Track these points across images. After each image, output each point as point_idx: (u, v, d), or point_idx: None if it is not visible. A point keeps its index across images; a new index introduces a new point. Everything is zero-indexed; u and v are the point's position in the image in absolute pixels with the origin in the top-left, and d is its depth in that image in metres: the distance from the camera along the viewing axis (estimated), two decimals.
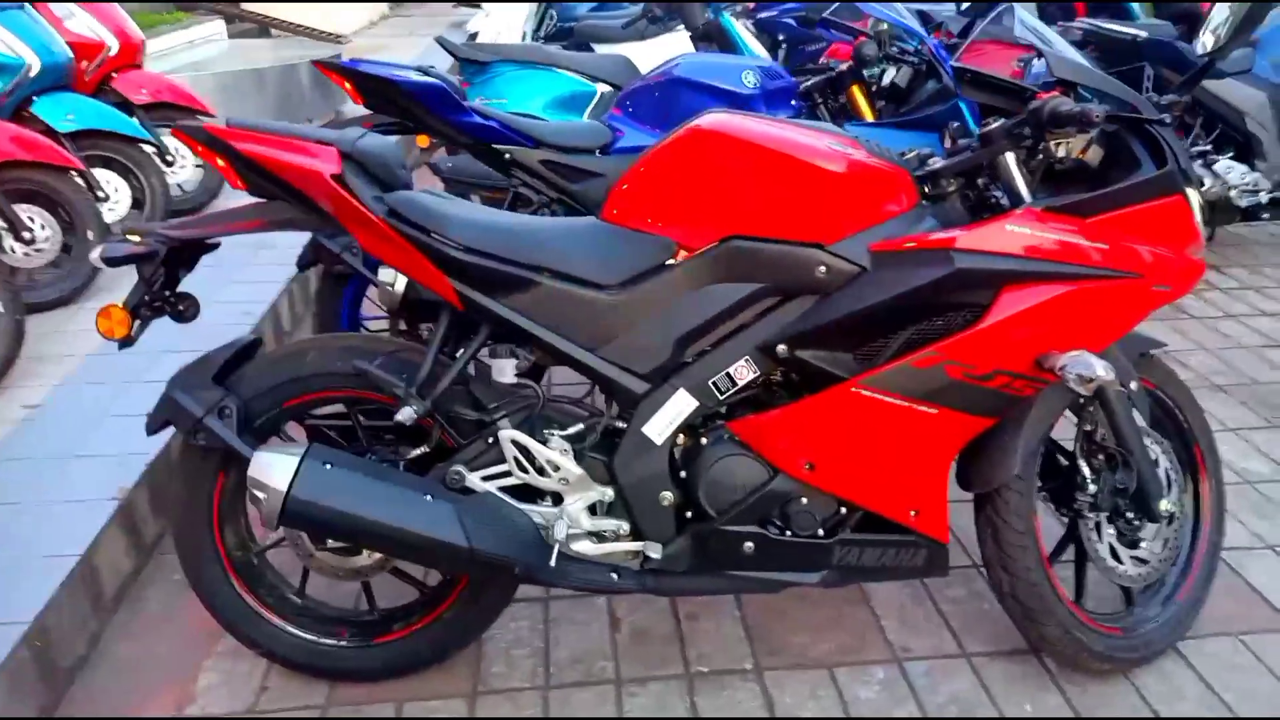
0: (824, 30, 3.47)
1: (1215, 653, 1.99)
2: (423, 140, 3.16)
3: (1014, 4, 1.83)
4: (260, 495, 1.63)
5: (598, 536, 1.76)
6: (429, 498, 1.67)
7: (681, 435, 1.76)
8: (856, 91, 2.75)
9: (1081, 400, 1.80)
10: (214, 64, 6.84)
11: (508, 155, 2.68)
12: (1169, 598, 1.98)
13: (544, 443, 1.73)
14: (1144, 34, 3.70)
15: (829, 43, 4.16)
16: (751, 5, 5.57)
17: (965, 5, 4.35)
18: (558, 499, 1.75)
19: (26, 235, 3.27)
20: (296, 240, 2.43)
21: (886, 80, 2.82)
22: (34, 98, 3.62)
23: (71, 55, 3.76)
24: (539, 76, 3.99)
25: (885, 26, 2.73)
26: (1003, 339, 1.60)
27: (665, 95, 2.75)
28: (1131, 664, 1.92)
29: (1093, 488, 1.82)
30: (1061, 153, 1.64)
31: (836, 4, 3.20)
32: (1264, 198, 3.81)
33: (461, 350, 1.76)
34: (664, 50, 4.91)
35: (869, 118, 2.77)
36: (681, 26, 4.83)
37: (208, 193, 4.53)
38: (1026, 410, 1.77)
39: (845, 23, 3.11)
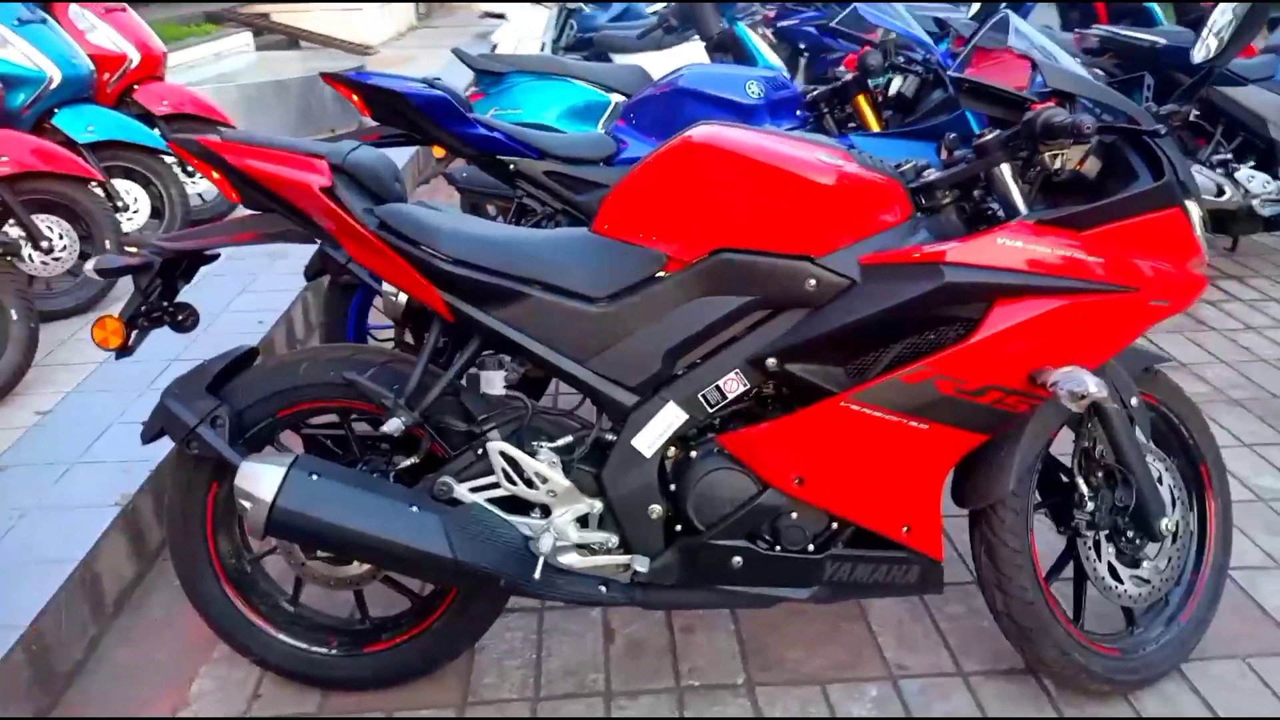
0: (833, 40, 3.45)
1: (1220, 675, 1.95)
2: (439, 151, 3.18)
3: (1010, 12, 1.81)
4: (246, 505, 1.64)
5: (586, 549, 1.75)
6: (414, 509, 1.67)
7: (672, 448, 1.75)
8: (862, 101, 2.73)
9: (1080, 416, 1.78)
10: (239, 75, 6.94)
11: (512, 166, 2.69)
12: (1172, 618, 1.94)
13: (532, 454, 1.73)
14: (1163, 40, 3.64)
15: (850, 52, 4.15)
16: (770, 14, 5.57)
17: (973, 11, 4.31)
18: (546, 511, 1.75)
19: (45, 244, 3.32)
20: (311, 250, 2.45)
21: (894, 90, 2.80)
22: (56, 110, 3.69)
23: (93, 68, 3.83)
24: (553, 87, 4.00)
25: (892, 36, 2.71)
26: (994, 354, 1.58)
27: (669, 106, 2.75)
28: (1131, 686, 1.88)
29: (1090, 505, 1.79)
30: (1057, 165, 1.62)
31: (848, 10, 3.17)
32: None
33: (452, 362, 1.76)
34: (680, 60, 4.91)
35: (874, 128, 2.75)
36: (698, 36, 4.85)
37: (227, 203, 4.58)
38: (1023, 426, 1.74)
39: (853, 32, 3.09)
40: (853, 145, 2.59)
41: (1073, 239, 1.59)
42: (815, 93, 2.81)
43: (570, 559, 1.74)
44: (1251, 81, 3.71)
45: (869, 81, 2.69)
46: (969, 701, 1.89)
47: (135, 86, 4.27)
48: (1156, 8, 4.52)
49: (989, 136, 1.67)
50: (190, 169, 4.35)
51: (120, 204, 3.85)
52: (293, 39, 11.19)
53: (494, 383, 1.74)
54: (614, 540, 1.76)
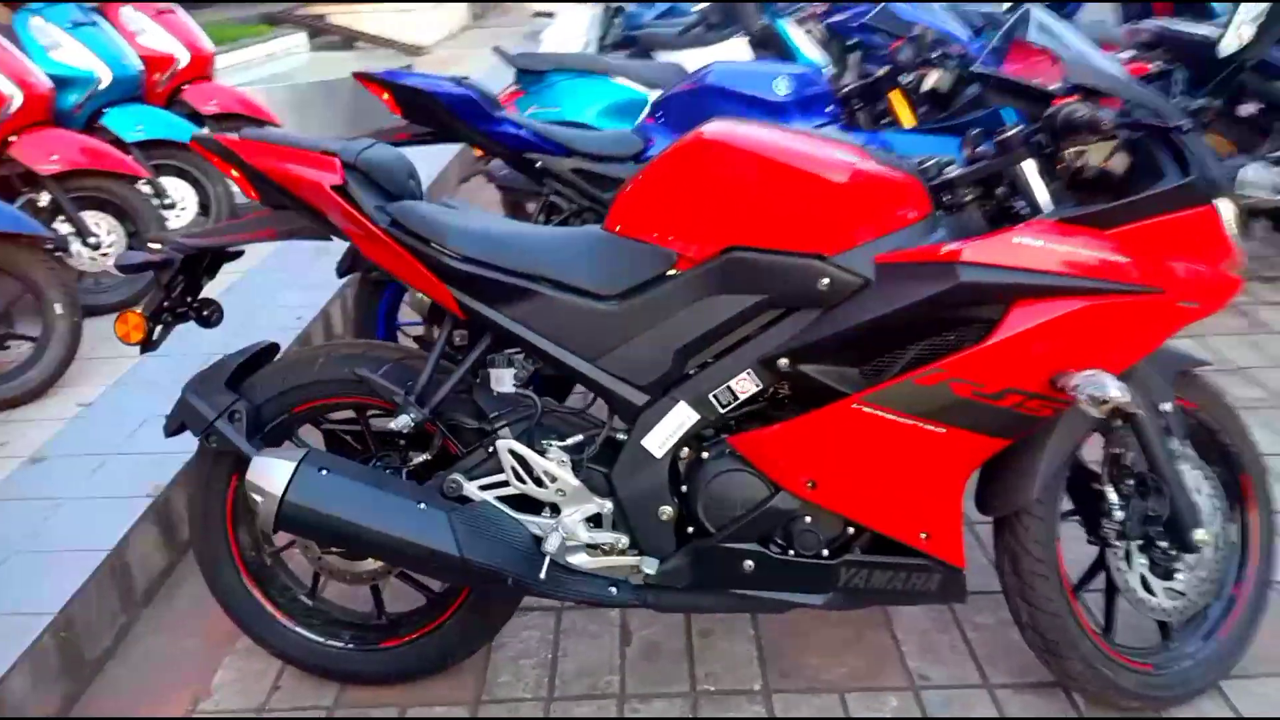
0: (867, 36, 3.39)
1: (1264, 694, 1.86)
2: (479, 149, 3.19)
3: (1031, 6, 1.74)
4: (257, 499, 1.66)
5: (595, 549, 1.73)
6: (422, 506, 1.67)
7: (685, 448, 1.73)
8: (895, 97, 2.67)
9: (1110, 421, 1.71)
10: (291, 76, 7.06)
11: (539, 164, 2.69)
12: (1210, 634, 1.86)
13: (542, 453, 1.71)
14: (1218, 33, 3.50)
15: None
16: (818, 11, 5.49)
17: (1005, 6, 4.20)
18: (556, 510, 1.73)
19: (93, 240, 3.41)
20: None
21: (929, 85, 2.73)
22: (106, 109, 3.78)
23: (142, 68, 3.92)
24: (593, 85, 3.99)
25: (925, 30, 2.64)
26: (1012, 356, 1.52)
27: (697, 103, 2.72)
28: (1164, 703, 1.80)
29: (1119, 514, 1.71)
30: (1081, 161, 1.56)
31: (878, 8, 3.11)
32: None
33: (462, 359, 1.76)
34: (720, 57, 4.87)
35: (908, 123, 2.69)
36: (739, 32, 4.80)
37: None
38: (1049, 431, 1.68)
39: (888, 28, 3.03)
40: (886, 143, 2.56)
41: (1095, 238, 1.53)
42: (848, 88, 2.76)
43: (579, 559, 1.72)
44: None
45: (901, 77, 2.63)
46: (993, 715, 1.83)
47: (184, 86, 4.36)
48: (1216, 3, 4.35)
49: (1011, 133, 1.62)
50: None
51: (168, 201, 3.93)
52: (348, 40, 11.38)
53: (504, 380, 1.73)
54: (624, 541, 1.73)
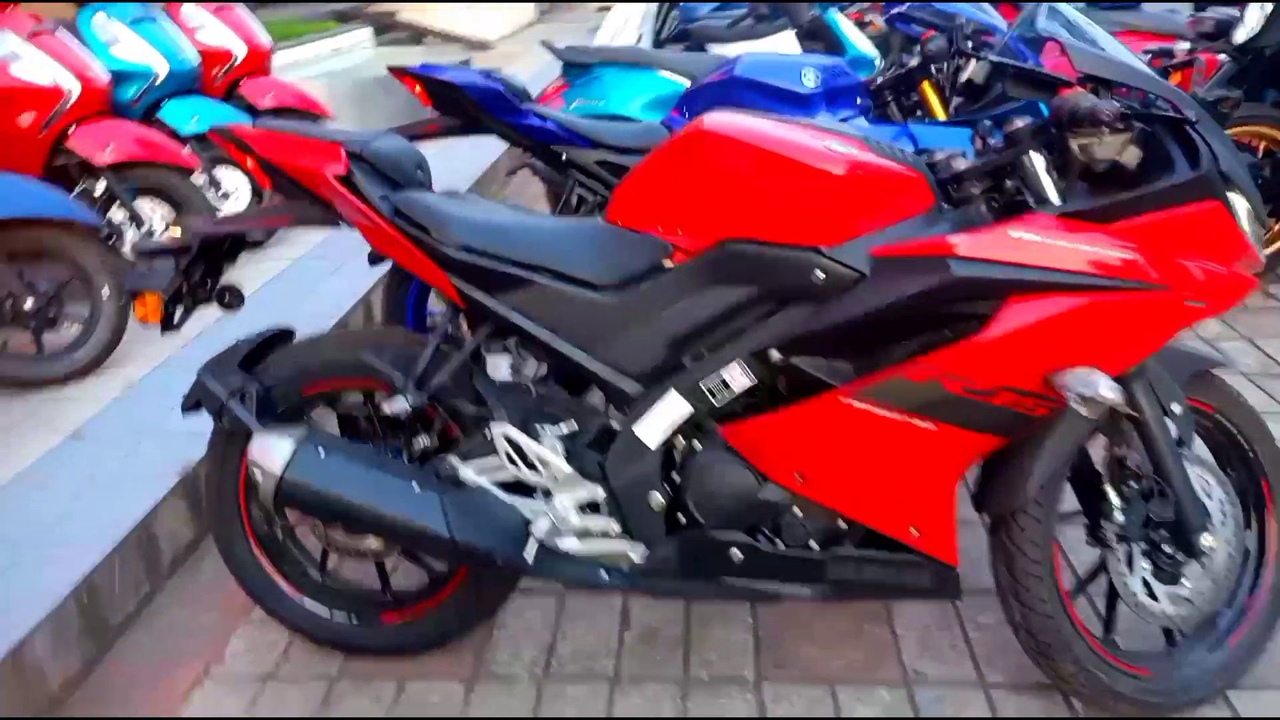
0: (906, 27, 3.34)
1: (1273, 707, 1.80)
2: (507, 141, 3.23)
3: None
4: (259, 476, 1.72)
5: (586, 534, 1.76)
6: (415, 487, 1.71)
7: (680, 438, 1.74)
8: (927, 88, 2.63)
9: (1115, 422, 1.67)
10: (355, 71, 7.24)
11: (564, 156, 2.72)
12: (1218, 642, 1.80)
13: (537, 439, 1.74)
14: None
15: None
16: (879, 5, 5.42)
17: None
18: (549, 495, 1.76)
19: (145, 228, 3.55)
20: None
21: (964, 77, 2.69)
22: (163, 102, 3.93)
23: (199, 62, 4.07)
24: (638, 78, 4.01)
25: (962, 21, 2.60)
26: (1004, 353, 1.50)
27: (724, 95, 2.72)
28: (1163, 710, 1.76)
29: (1120, 517, 1.67)
30: (1089, 155, 1.52)
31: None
32: None
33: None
34: (769, 49, 4.85)
35: (940, 115, 2.65)
36: (789, 24, 4.77)
37: None
38: (1049, 431, 1.64)
39: (925, 17, 2.98)
40: (913, 136, 2.52)
41: (1096, 233, 1.49)
42: (880, 80, 2.73)
43: (570, 544, 1.75)
44: None
45: (933, 68, 2.59)
46: (985, 714, 1.81)
47: (242, 80, 4.51)
48: None
49: (1019, 125, 1.59)
50: None
51: (223, 192, 4.07)
52: (417, 36, 11.61)
53: (501, 368, 1.76)
54: (616, 527, 1.75)
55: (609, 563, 1.77)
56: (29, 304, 2.86)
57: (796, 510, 1.68)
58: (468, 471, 1.76)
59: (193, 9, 4.30)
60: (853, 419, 1.58)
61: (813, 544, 1.70)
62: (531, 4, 13.86)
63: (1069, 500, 1.75)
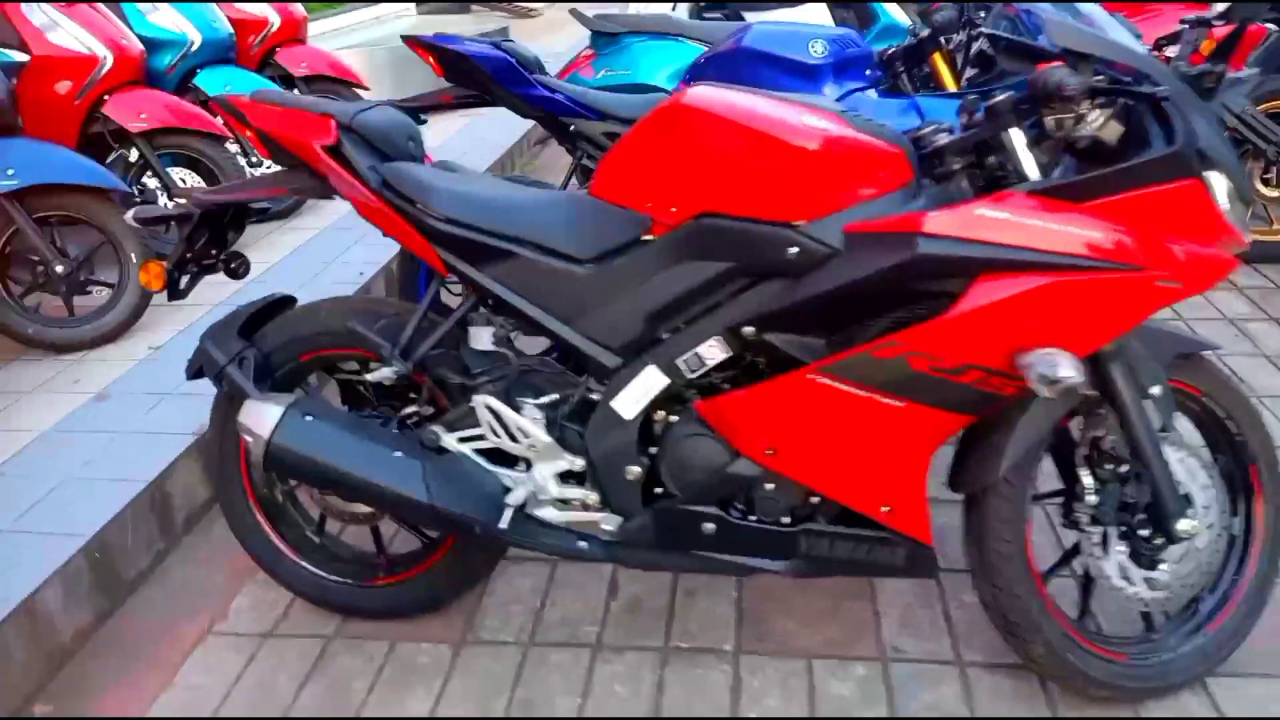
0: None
1: (1252, 695, 1.78)
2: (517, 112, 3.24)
3: None
4: (249, 440, 1.78)
5: (565, 504, 1.79)
6: (398, 454, 1.76)
7: (660, 410, 1.76)
8: (938, 60, 2.58)
9: (1091, 403, 1.66)
10: (394, 39, 7.27)
11: (573, 127, 2.73)
12: (1199, 628, 1.79)
13: (518, 410, 1.78)
14: None
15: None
16: None
17: None
18: (530, 465, 1.80)
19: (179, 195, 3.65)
20: None
21: (977, 48, 2.63)
22: (197, 70, 4.01)
23: (232, 31, 4.14)
24: (665, 47, 3.99)
25: None
26: (971, 332, 1.49)
27: (733, 66, 2.70)
28: (1137, 695, 1.75)
29: (1092, 499, 1.66)
30: (1065, 130, 1.50)
31: None
32: None
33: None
34: (803, 17, 4.79)
35: (950, 86, 2.60)
36: None
37: None
38: (1022, 410, 1.64)
39: None
40: (919, 108, 2.48)
41: (1067, 211, 1.47)
42: (891, 51, 2.69)
43: (548, 513, 1.79)
44: None
45: (941, 39, 2.54)
46: (959, 692, 1.82)
47: (277, 49, 4.58)
48: None
49: (999, 99, 1.57)
50: None
51: (254, 159, 4.15)
52: (464, 3, 11.63)
53: (482, 338, 1.79)
54: (594, 497, 1.79)
55: (586, 532, 1.81)
56: (60, 269, 2.97)
57: (769, 485, 1.70)
58: (451, 440, 1.81)
59: None
60: (820, 395, 1.59)
61: (785, 519, 1.72)
62: None
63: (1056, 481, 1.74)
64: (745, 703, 1.83)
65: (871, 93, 2.54)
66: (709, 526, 1.73)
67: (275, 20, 4.49)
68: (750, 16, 5.13)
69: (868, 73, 2.65)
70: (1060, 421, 1.68)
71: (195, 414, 2.59)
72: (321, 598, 2.08)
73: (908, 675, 1.87)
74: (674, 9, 6.15)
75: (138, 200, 3.19)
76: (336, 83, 4.75)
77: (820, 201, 1.57)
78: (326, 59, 4.76)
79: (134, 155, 3.57)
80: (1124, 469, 1.67)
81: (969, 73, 2.72)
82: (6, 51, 3.31)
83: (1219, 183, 1.48)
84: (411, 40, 2.88)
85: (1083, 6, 1.62)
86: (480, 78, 2.73)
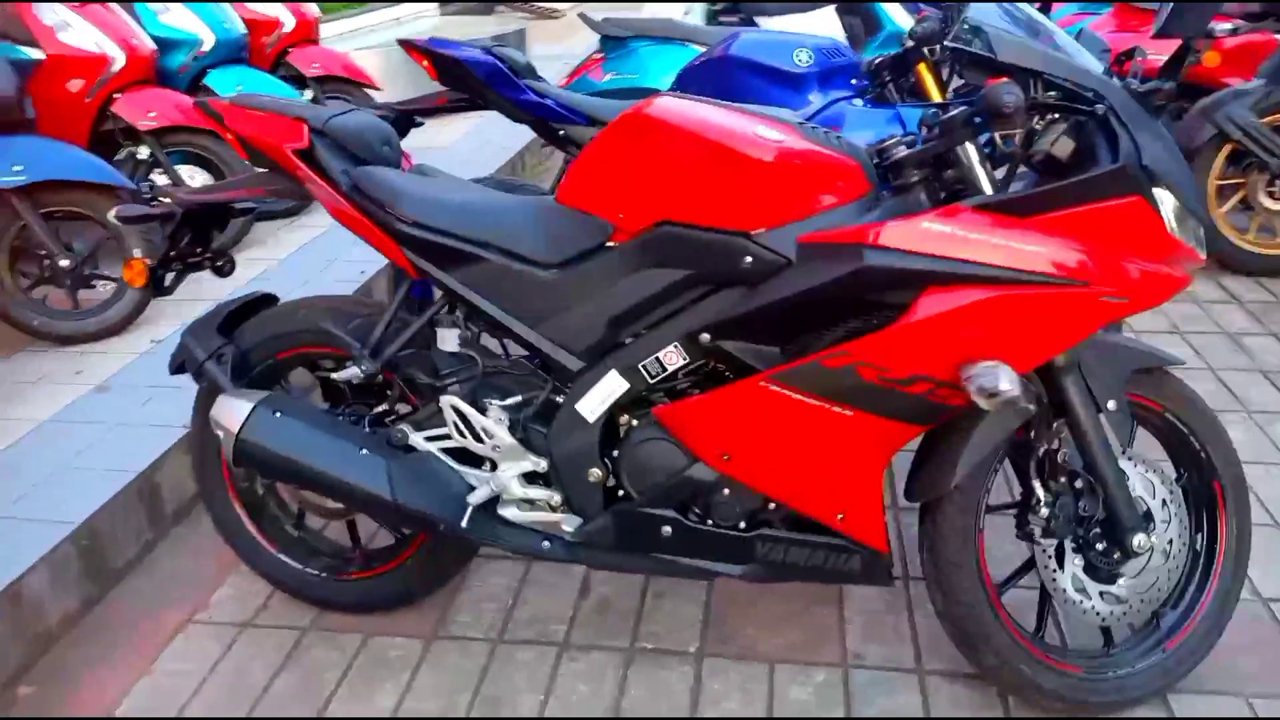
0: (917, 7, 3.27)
1: (1213, 711, 1.78)
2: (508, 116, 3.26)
3: None
4: (220, 435, 1.83)
5: (529, 504, 1.82)
6: (364, 451, 1.80)
7: (624, 414, 1.79)
8: (923, 69, 2.59)
9: (1045, 415, 1.66)
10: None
11: (562, 132, 2.76)
12: (1158, 644, 1.79)
13: (483, 411, 1.81)
14: None
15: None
16: None
17: None
18: (495, 465, 1.83)
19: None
20: None
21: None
22: (210, 70, 4.09)
23: (245, 32, 4.21)
24: (673, 51, 4.03)
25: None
26: (916, 343, 1.50)
27: (719, 74, 2.72)
28: (1091, 709, 1.75)
29: (1044, 511, 1.67)
30: (1012, 145, 1.51)
31: None
32: None
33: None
34: (812, 23, 4.79)
35: (936, 97, 2.60)
36: None
37: None
38: (977, 420, 1.65)
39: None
40: (901, 118, 2.49)
41: (1013, 225, 1.48)
42: (879, 60, 2.70)
43: (511, 512, 1.82)
44: None
45: (926, 49, 2.55)
46: (916, 699, 1.83)
47: (290, 49, 4.65)
48: None
49: (954, 113, 1.58)
50: None
51: None
52: (489, 3, 11.72)
53: (448, 340, 1.83)
54: (558, 498, 1.82)
55: (550, 532, 1.84)
56: (65, 263, 3.05)
57: (725, 490, 1.72)
58: (418, 439, 1.85)
59: None
60: (772, 403, 1.61)
61: (742, 525, 1.74)
62: None
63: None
64: (704, 705, 1.85)
65: (858, 102, 2.55)
66: (666, 530, 1.76)
67: (289, 21, 4.57)
68: (763, 21, 5.14)
69: (853, 82, 2.66)
70: (1017, 433, 1.69)
71: (190, 407, 2.64)
72: (298, 590, 2.13)
73: (867, 682, 1.88)
74: (686, 13, 6.17)
75: (146, 197, 3.25)
76: (349, 83, 4.82)
77: (774, 212, 1.59)
78: (339, 60, 4.83)
79: (143, 153, 3.65)
80: (1078, 483, 1.68)
81: (956, 83, 2.72)
82: (23, 49, 3.40)
83: (1165, 200, 1.49)
84: (407, 44, 2.93)
85: (1051, 28, 1.62)
86: (473, 82, 2.77)
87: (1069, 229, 1.48)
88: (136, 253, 1.95)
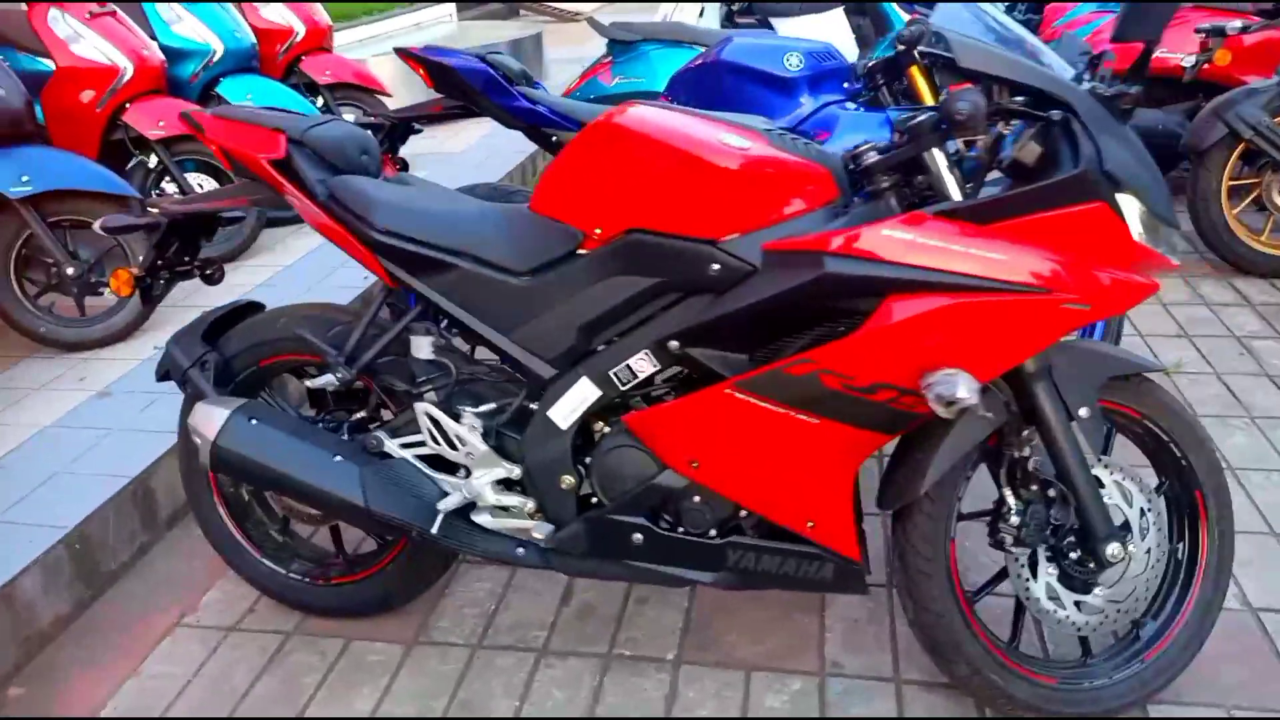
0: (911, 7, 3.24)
1: None
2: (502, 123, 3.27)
3: None
4: (197, 442, 1.86)
5: (502, 510, 1.83)
6: (338, 458, 1.82)
7: (598, 421, 1.79)
8: (915, 73, 2.57)
9: (1016, 423, 1.65)
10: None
11: (555, 138, 2.77)
12: (1137, 654, 1.76)
13: (457, 418, 1.82)
14: None
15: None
16: None
17: None
18: (470, 471, 1.84)
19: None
20: None
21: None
22: (221, 79, 4.15)
23: (255, 41, 4.27)
24: (680, 55, 4.02)
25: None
26: (878, 351, 1.49)
27: (710, 79, 2.72)
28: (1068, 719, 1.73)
29: (1014, 519, 1.65)
30: (976, 151, 1.50)
31: None
32: None
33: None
34: (819, 26, 4.77)
35: (928, 100, 2.58)
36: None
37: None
38: (947, 427, 1.63)
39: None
40: (888, 121, 2.47)
41: (975, 232, 1.46)
42: (873, 63, 2.68)
43: (485, 519, 1.83)
44: None
45: (915, 53, 2.52)
46: (891, 708, 1.82)
47: (303, 58, 4.71)
48: None
49: (921, 119, 1.57)
50: None
51: None
52: (512, 8, 11.80)
53: (422, 347, 1.84)
54: (531, 505, 1.83)
55: (524, 539, 1.84)
56: (71, 271, 3.10)
57: (695, 498, 1.72)
58: (393, 445, 1.86)
59: None
60: (738, 410, 1.60)
61: (712, 532, 1.74)
62: None
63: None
64: (678, 712, 1.85)
65: (851, 105, 2.53)
66: (637, 537, 1.76)
67: (300, 29, 4.62)
68: (777, 23, 5.12)
69: (845, 85, 2.64)
70: (989, 441, 1.67)
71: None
72: (282, 595, 2.15)
73: (843, 691, 1.87)
74: (701, 15, 6.17)
75: (156, 196, 3.32)
76: (361, 90, 4.87)
77: (741, 219, 1.59)
78: (351, 67, 4.88)
79: (153, 161, 3.71)
80: (1050, 491, 1.66)
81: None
82: (37, 59, 3.47)
83: (1130, 206, 1.46)
84: (403, 52, 2.96)
85: (1021, 33, 1.61)
86: (466, 89, 2.79)
87: (1031, 235, 1.46)
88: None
